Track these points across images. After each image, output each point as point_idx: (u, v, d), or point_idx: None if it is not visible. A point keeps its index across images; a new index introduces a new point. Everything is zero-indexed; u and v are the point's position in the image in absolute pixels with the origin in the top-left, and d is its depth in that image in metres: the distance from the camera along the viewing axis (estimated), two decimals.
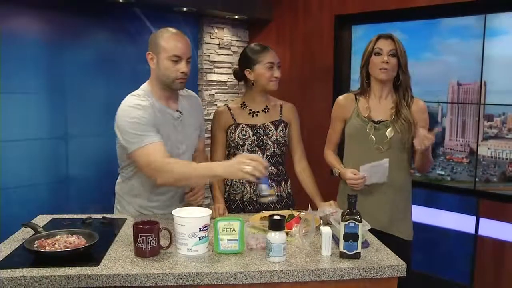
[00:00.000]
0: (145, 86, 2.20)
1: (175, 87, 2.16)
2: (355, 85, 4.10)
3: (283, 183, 2.52)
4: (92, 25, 3.79)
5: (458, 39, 3.47)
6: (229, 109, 2.51)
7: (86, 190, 3.77)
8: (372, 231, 2.06)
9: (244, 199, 2.48)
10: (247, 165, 1.81)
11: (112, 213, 2.35)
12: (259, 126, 2.47)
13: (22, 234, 1.94)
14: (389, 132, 2.38)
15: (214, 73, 4.58)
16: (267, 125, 2.48)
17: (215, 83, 4.60)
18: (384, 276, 1.71)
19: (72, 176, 3.74)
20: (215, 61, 4.58)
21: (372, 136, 2.40)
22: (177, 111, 2.22)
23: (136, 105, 2.08)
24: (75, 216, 2.22)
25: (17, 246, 1.80)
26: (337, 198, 2.55)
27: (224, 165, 1.91)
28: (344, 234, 1.73)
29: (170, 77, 2.12)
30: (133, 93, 2.17)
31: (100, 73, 3.84)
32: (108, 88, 3.81)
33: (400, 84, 2.42)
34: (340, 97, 2.61)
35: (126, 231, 2.01)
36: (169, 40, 2.10)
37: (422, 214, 3.62)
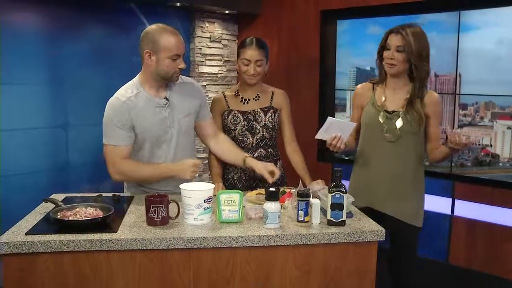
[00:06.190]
0: (136, 78, 2.43)
1: (173, 80, 2.39)
2: (340, 76, 4.37)
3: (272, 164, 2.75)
4: (90, 19, 3.97)
5: (434, 33, 3.72)
6: (225, 96, 2.75)
7: (85, 176, 3.97)
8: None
9: (235, 178, 2.73)
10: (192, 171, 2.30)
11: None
12: (249, 112, 2.70)
13: (43, 209, 2.15)
14: (398, 122, 2.43)
15: (206, 65, 4.79)
16: (257, 111, 2.70)
17: (207, 75, 4.80)
18: (366, 240, 1.96)
19: (72, 163, 3.93)
20: (206, 54, 4.78)
21: (384, 125, 2.45)
22: (164, 98, 2.41)
23: (116, 99, 2.33)
24: (86, 195, 2.43)
25: (41, 218, 2.02)
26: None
27: (175, 168, 2.33)
28: (331, 204, 1.98)
29: (170, 73, 2.33)
30: (125, 85, 2.42)
31: (97, 65, 4.01)
32: (105, 79, 3.97)
33: (415, 77, 2.42)
34: (358, 86, 2.66)
35: (135, 206, 2.23)
36: (170, 40, 2.28)
37: None
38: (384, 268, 2.48)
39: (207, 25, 4.76)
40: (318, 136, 2.40)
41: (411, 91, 2.44)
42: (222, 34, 4.90)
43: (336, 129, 2.37)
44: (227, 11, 4.71)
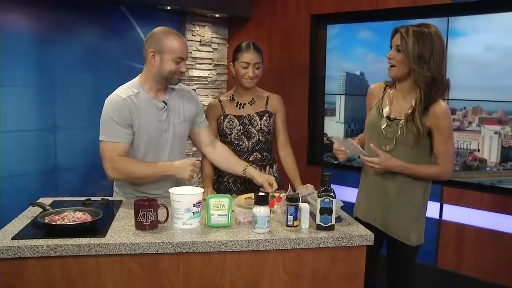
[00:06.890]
0: (137, 78, 2.43)
1: (173, 83, 2.41)
2: (329, 80, 4.39)
3: (267, 167, 2.77)
4: (81, 22, 3.95)
5: None
6: (220, 101, 2.77)
7: (74, 179, 3.94)
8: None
9: (230, 181, 2.74)
10: (191, 170, 2.28)
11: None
12: (245, 117, 2.71)
13: (30, 213, 2.14)
14: (394, 132, 2.24)
15: (196, 69, 4.78)
16: (252, 116, 2.72)
17: (197, 79, 4.80)
18: (355, 245, 1.97)
19: (61, 166, 3.90)
20: (196, 58, 4.78)
21: (383, 131, 2.28)
22: (162, 101, 2.42)
23: (117, 95, 2.32)
24: (75, 198, 2.41)
25: (28, 222, 2.00)
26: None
27: (174, 167, 2.30)
28: (320, 209, 1.98)
29: (170, 74, 2.34)
30: (124, 84, 2.41)
31: (88, 68, 4.00)
32: (95, 82, 3.97)
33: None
34: (372, 85, 2.48)
35: (124, 210, 2.22)
36: (175, 43, 2.30)
37: None
38: (382, 275, 2.50)
39: (198, 28, 4.76)
40: (334, 139, 2.52)
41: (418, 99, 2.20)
42: (212, 37, 4.90)
43: (348, 146, 2.35)
44: (217, 15, 4.71)
